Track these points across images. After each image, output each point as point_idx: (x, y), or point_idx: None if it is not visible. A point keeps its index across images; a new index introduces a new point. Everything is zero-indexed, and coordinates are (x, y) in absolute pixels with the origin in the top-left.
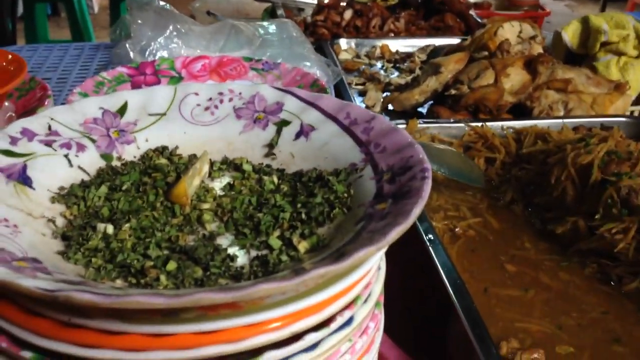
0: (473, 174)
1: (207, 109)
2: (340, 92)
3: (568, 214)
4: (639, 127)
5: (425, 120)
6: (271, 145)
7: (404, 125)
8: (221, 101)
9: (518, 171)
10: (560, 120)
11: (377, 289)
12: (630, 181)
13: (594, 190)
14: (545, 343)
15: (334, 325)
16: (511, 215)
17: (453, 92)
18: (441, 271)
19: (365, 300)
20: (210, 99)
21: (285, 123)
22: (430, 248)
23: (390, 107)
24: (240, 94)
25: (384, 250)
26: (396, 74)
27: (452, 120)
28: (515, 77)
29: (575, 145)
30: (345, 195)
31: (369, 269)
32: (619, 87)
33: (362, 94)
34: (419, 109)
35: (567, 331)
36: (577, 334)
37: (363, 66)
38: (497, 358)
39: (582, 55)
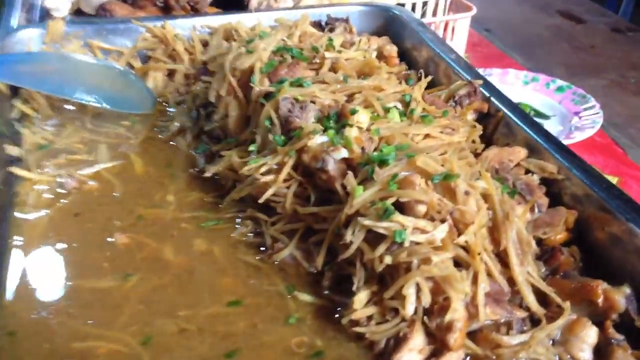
0: (137, 97)
1: None
2: None
3: (229, 146)
4: (379, 17)
5: (78, 20)
6: None
7: (44, 30)
8: None
9: (198, 87)
10: (280, 12)
11: None
12: (295, 91)
13: (257, 107)
14: None
15: None
16: (173, 151)
17: None
18: None
19: None
20: None
21: None
22: None
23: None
24: None
25: None
26: None
27: (118, 20)
28: None
29: (240, 44)
30: None
31: None
32: None
33: None
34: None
35: (156, 347)
36: (170, 351)
37: None
38: None
39: None
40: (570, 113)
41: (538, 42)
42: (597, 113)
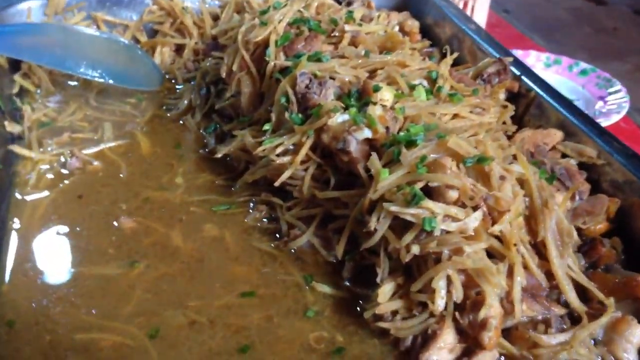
0: (144, 73)
1: None
2: None
3: (242, 125)
4: None
5: None
6: None
7: (45, 1)
8: None
9: (208, 63)
10: None
11: None
12: (313, 66)
13: (272, 84)
14: None
15: None
16: (181, 130)
17: None
18: None
19: None
20: None
21: None
22: None
23: None
24: None
25: None
26: None
27: None
28: None
29: (253, 16)
30: None
31: None
32: None
33: None
34: None
35: (164, 340)
36: (179, 345)
37: None
38: None
39: None
40: (595, 97)
41: (558, 24)
42: (623, 97)
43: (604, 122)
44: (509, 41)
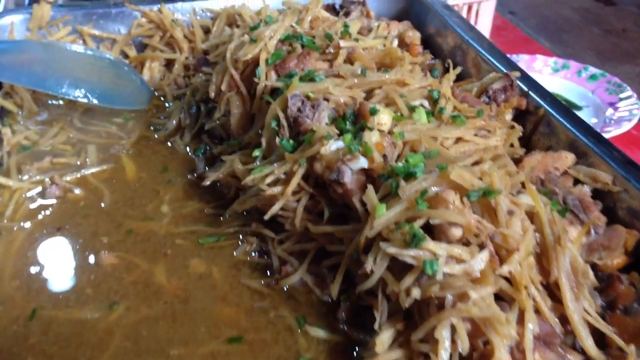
0: (131, 91)
1: None
2: None
3: (232, 148)
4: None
5: (67, 4)
6: None
7: (29, 16)
8: None
9: (198, 79)
10: None
11: None
12: (306, 87)
13: (263, 105)
14: None
15: None
16: (170, 152)
17: None
18: None
19: None
20: None
21: None
22: None
23: None
24: None
25: None
26: None
27: (110, 3)
28: None
29: (243, 32)
30: None
31: None
32: None
33: None
34: None
35: None
36: None
37: None
38: None
39: None
40: (605, 104)
41: (566, 25)
42: (635, 104)
43: (615, 131)
44: (515, 45)
